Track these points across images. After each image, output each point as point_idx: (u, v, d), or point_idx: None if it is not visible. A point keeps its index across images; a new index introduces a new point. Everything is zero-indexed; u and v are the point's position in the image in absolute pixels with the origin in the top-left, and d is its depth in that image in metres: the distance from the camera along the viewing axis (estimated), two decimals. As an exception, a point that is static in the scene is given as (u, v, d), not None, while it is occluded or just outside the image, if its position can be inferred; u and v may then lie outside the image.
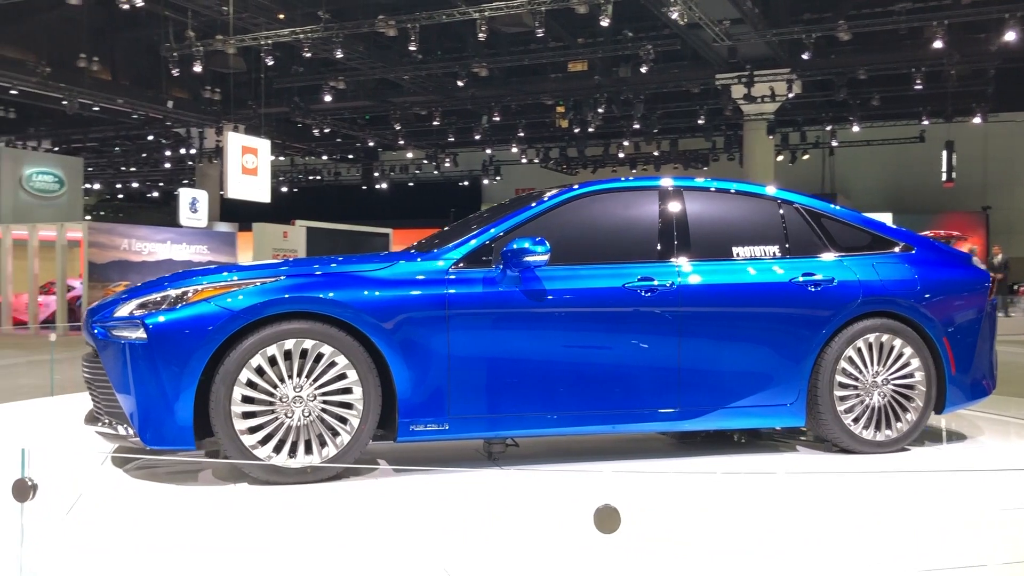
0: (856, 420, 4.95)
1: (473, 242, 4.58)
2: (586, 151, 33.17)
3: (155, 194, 42.70)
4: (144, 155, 33.97)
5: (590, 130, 28.37)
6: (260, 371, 4.08)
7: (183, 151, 31.28)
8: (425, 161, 35.45)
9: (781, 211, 5.12)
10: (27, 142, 30.20)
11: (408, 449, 5.13)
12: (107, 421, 4.27)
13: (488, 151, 34.30)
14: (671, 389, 4.67)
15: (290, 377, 4.11)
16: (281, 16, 21.00)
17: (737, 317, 4.79)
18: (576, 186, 4.98)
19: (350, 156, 36.98)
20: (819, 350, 4.87)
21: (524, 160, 34.50)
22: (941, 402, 5.13)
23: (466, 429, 4.43)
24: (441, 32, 22.87)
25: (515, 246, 4.39)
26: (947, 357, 5.07)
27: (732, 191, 5.19)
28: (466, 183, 38.31)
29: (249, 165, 20.90)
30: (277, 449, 4.10)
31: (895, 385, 5.00)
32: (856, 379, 4.93)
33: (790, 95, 23.76)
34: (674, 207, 4.92)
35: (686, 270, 4.75)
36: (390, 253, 4.84)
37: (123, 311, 4.20)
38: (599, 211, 4.94)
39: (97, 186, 41.61)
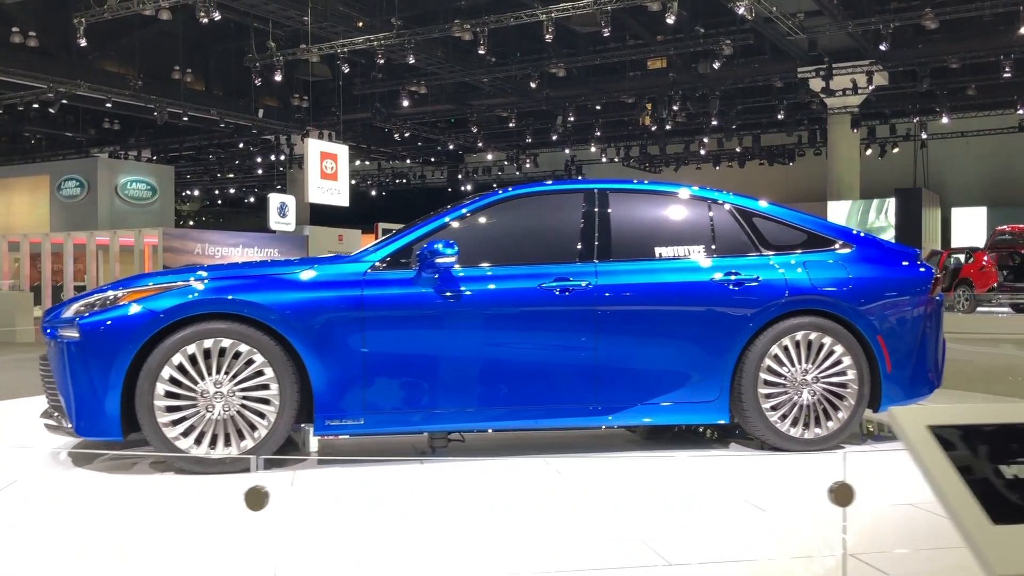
0: (784, 418, 4.92)
1: (392, 245, 4.78)
2: (667, 148, 32.95)
3: (251, 199, 44.25)
4: (237, 162, 35.27)
5: (668, 128, 28.17)
6: (182, 368, 4.36)
7: (273, 157, 32.38)
8: (506, 163, 35.78)
9: (711, 212, 5.14)
10: (128, 152, 31.76)
11: (375, 442, 5.33)
12: (53, 414, 4.61)
13: (567, 151, 34.40)
14: (589, 386, 4.75)
15: (210, 374, 4.39)
16: (360, 24, 21.59)
17: (654, 316, 4.83)
18: (500, 190, 5.12)
19: (432, 160, 37.60)
20: (742, 348, 4.88)
21: (604, 159, 34.47)
22: (877, 401, 5.06)
23: (381, 424, 4.61)
24: (520, 34, 23.12)
25: (428, 249, 4.57)
26: (882, 355, 4.99)
27: (660, 193, 5.24)
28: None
29: (328, 170, 21.55)
30: (198, 441, 4.39)
31: (826, 383, 4.95)
32: (783, 377, 4.90)
33: (870, 87, 23.14)
34: (597, 210, 5.01)
35: (604, 271, 4.83)
36: (321, 256, 5.14)
37: (68, 312, 4.55)
38: (523, 214, 5.07)
39: (196, 192, 43.37)
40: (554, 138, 30.40)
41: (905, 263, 5.24)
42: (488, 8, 19.67)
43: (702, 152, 32.70)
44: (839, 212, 27.39)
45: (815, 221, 5.31)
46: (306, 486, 4.28)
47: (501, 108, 27.99)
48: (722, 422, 4.93)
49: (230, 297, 4.45)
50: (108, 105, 24.81)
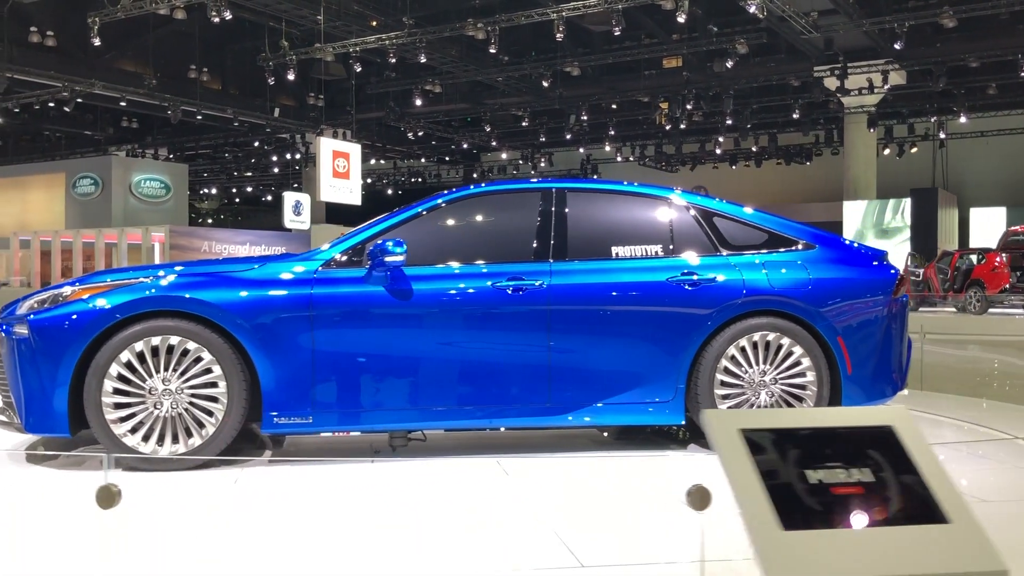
0: None
1: (344, 244, 4.77)
2: (683, 148, 32.80)
3: (268, 197, 44.44)
4: (252, 161, 35.44)
5: (683, 127, 28.04)
6: (130, 366, 4.36)
7: (288, 156, 32.49)
8: (520, 161, 35.75)
9: (670, 211, 5.09)
10: (145, 150, 31.99)
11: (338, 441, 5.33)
12: (6, 411, 4.59)
13: (581, 150, 34.32)
14: (541, 386, 4.71)
15: (158, 371, 4.38)
16: (374, 23, 21.62)
17: (608, 315, 4.78)
18: (455, 189, 5.11)
19: (447, 159, 37.62)
20: (697, 348, 4.82)
21: (619, 158, 34.36)
22: (837, 402, 4.96)
23: (330, 422, 4.59)
24: (535, 32, 23.09)
25: (377, 247, 4.54)
26: (842, 357, 4.90)
27: (618, 192, 5.19)
28: (564, 182, 38.47)
29: (340, 169, 21.61)
30: (146, 438, 4.38)
31: (785, 384, 4.87)
32: (741, 378, 4.84)
33: (886, 86, 22.93)
34: (553, 209, 4.97)
35: (558, 270, 4.79)
36: (273, 255, 5.11)
37: (21, 309, 4.57)
38: (481, 213, 5.06)
39: (214, 190, 43.61)
40: (568, 137, 30.32)
41: (869, 264, 5.16)
42: (502, 7, 19.65)
43: (718, 151, 32.52)
44: (855, 212, 27.20)
45: (777, 221, 5.25)
46: (248, 485, 4.28)
47: (516, 107, 27.95)
48: (678, 423, 4.86)
49: (177, 294, 4.44)
50: (123, 104, 24.98)
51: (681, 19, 16.40)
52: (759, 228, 5.14)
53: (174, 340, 4.39)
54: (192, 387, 4.41)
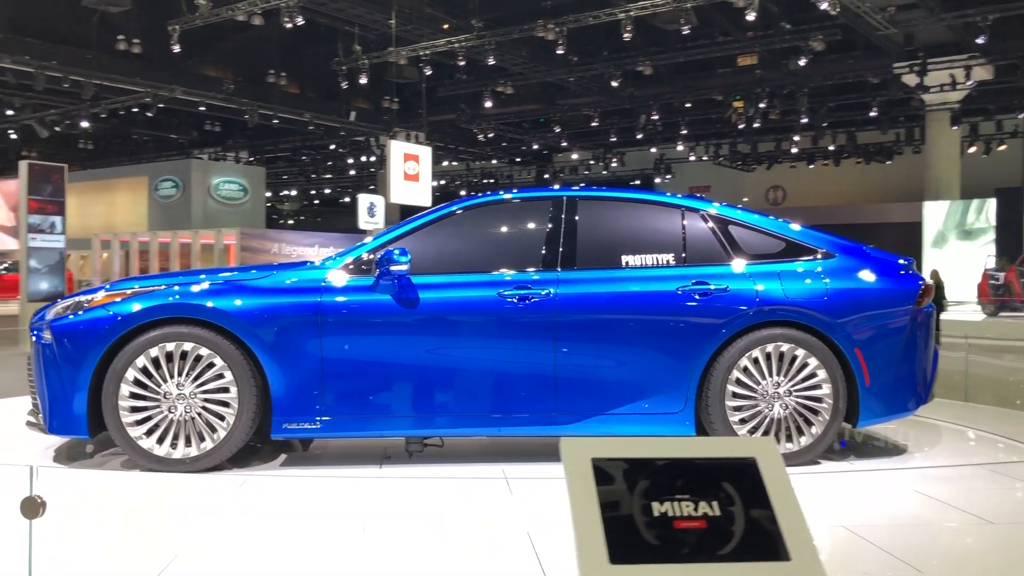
0: (754, 431, 4.75)
1: (353, 252, 4.83)
2: (758, 147, 32.24)
3: (346, 199, 45.22)
4: (329, 163, 36.10)
5: (756, 125, 27.55)
6: (146, 371, 4.51)
7: (363, 159, 32.99)
8: (592, 161, 35.61)
9: (683, 220, 5.00)
10: (226, 153, 32.90)
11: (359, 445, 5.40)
12: (37, 413, 4.78)
13: (653, 149, 33.99)
14: (547, 395, 4.68)
15: (173, 376, 4.52)
16: (446, 26, 21.82)
17: (615, 325, 4.73)
18: (468, 198, 5.11)
19: (517, 160, 37.69)
20: (708, 359, 4.73)
21: (692, 157, 33.92)
22: (856, 415, 4.85)
23: (337, 428, 4.65)
24: (607, 32, 22.99)
25: (384, 256, 4.58)
26: (860, 369, 4.77)
27: (631, 201, 5.14)
28: (637, 182, 38.13)
29: (411, 171, 21.85)
30: (160, 441, 4.53)
31: (800, 397, 4.77)
32: (753, 389, 4.75)
33: (970, 82, 22.15)
34: (563, 218, 4.94)
35: (565, 279, 4.76)
36: (285, 263, 5.24)
37: (49, 315, 4.74)
38: (491, 221, 5.07)
39: (294, 192, 44.55)
40: (639, 137, 30.09)
41: (891, 274, 5.02)
42: (572, 8, 19.61)
43: (794, 150, 31.87)
44: (936, 212, 26.34)
45: (796, 230, 5.13)
46: (252, 487, 4.39)
47: (587, 107, 27.86)
48: (688, 435, 4.76)
49: (190, 302, 4.58)
50: (202, 108, 25.70)
51: (751, 17, 16.15)
52: (777, 236, 5.05)
53: (188, 346, 4.53)
54: (205, 392, 4.55)
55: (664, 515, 1.49)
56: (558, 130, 28.89)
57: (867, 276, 4.96)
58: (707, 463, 1.53)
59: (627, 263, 4.89)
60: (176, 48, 18.96)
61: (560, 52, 19.01)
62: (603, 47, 24.33)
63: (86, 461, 4.98)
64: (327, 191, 44.74)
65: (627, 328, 4.75)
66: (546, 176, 38.09)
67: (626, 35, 17.58)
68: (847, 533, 3.67)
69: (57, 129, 25.96)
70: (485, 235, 5.06)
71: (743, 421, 4.76)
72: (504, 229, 5.11)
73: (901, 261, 5.17)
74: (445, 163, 37.12)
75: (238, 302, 4.59)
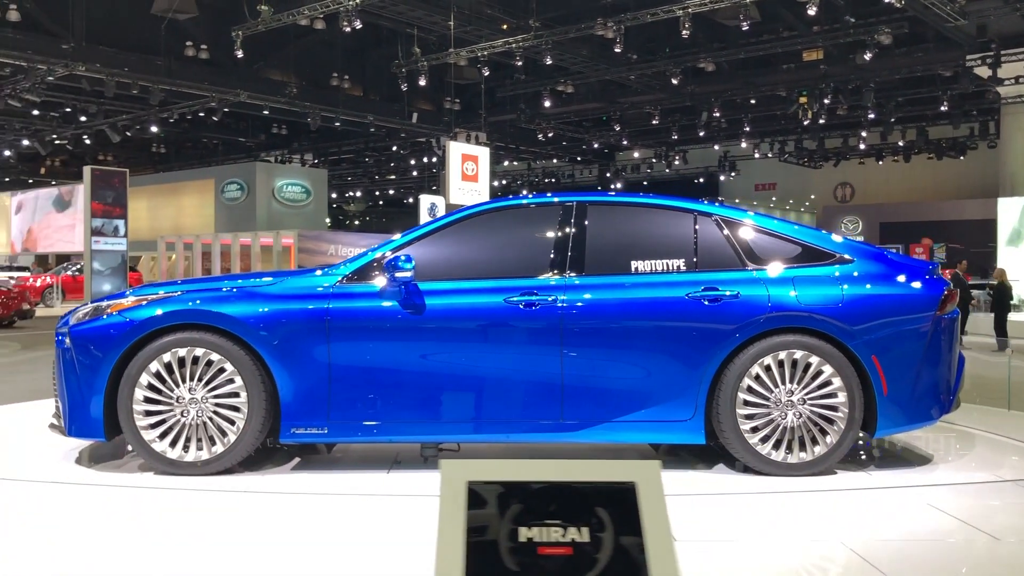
0: (766, 440, 4.62)
1: (362, 259, 4.83)
2: (826, 143, 31.59)
3: (409, 200, 45.64)
4: (392, 164, 36.49)
5: (821, 121, 26.97)
6: (159, 375, 4.58)
7: (425, 160, 33.25)
8: (654, 160, 35.30)
9: (696, 225, 4.89)
10: (291, 156, 33.50)
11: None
12: (58, 414, 4.88)
13: (716, 147, 33.53)
14: (554, 402, 4.62)
15: (185, 381, 4.58)
16: (505, 27, 21.86)
17: (622, 332, 4.65)
18: (479, 204, 5.08)
19: (578, 159, 37.55)
20: (719, 366, 4.63)
21: (757, 155, 33.37)
22: (874, 424, 4.69)
23: (345, 433, 4.67)
24: (669, 29, 22.78)
25: (389, 263, 4.58)
26: (877, 377, 4.61)
27: (642, 206, 5.06)
28: (701, 180, 37.68)
29: (469, 172, 21.94)
30: (173, 444, 4.60)
31: (815, 405, 4.63)
32: (766, 397, 4.63)
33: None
34: (573, 223, 4.89)
35: (574, 285, 4.70)
36: (295, 269, 5.24)
37: (72, 320, 4.83)
38: (501, 227, 5.02)
39: (359, 193, 45.13)
40: (701, 134, 29.73)
41: (912, 279, 4.84)
42: (632, 5, 19.47)
43: (862, 147, 31.13)
44: (1012, 209, 25.41)
45: (813, 234, 4.98)
46: (258, 490, 4.48)
47: (649, 105, 27.62)
48: (698, 443, 4.69)
49: (201, 308, 4.65)
50: (265, 112, 26.19)
51: (812, 11, 15.81)
52: (793, 241, 4.92)
53: (199, 351, 4.61)
54: (216, 397, 4.61)
55: (530, 541, 1.46)
56: (618, 128, 28.68)
57: (886, 281, 4.81)
58: (585, 487, 1.50)
59: (637, 268, 4.82)
60: (239, 54, 19.35)
61: (620, 50, 18.85)
62: (665, 44, 24.09)
63: (104, 464, 5.09)
64: (391, 192, 45.22)
65: (635, 334, 4.68)
66: (608, 175, 37.86)
67: (684, 32, 17.37)
68: (844, 549, 3.58)
69: (128, 134, 26.72)
70: (495, 241, 5.03)
71: (755, 429, 4.66)
72: (514, 235, 5.08)
73: (925, 266, 5.00)
74: (506, 163, 37.18)
75: (247, 308, 4.65)
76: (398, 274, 4.59)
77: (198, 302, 4.69)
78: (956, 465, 5.16)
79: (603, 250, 4.88)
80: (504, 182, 38.97)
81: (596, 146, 33.57)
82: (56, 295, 24.38)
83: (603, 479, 1.52)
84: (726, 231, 4.91)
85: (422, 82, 21.61)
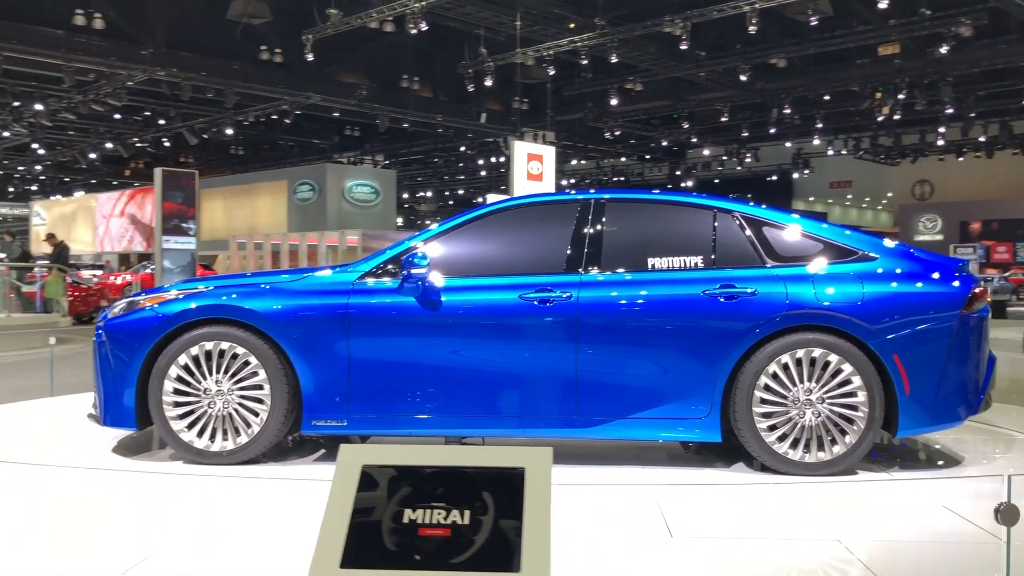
0: (783, 439, 4.55)
1: (382, 256, 4.92)
2: (903, 139, 30.76)
3: (479, 200, 45.94)
4: (460, 165, 36.78)
5: (897, 116, 26.27)
6: (187, 368, 4.76)
7: (493, 159, 33.43)
8: (725, 157, 34.83)
9: (715, 222, 4.85)
10: (363, 157, 34.03)
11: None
12: (95, 404, 5.08)
13: (788, 144, 32.91)
14: (568, 398, 4.64)
15: (212, 374, 4.75)
16: (572, 25, 21.86)
17: (637, 329, 4.64)
18: (497, 201, 5.11)
19: (647, 157, 37.26)
20: (735, 363, 4.59)
21: (831, 152, 32.66)
22: (895, 425, 4.58)
23: (364, 426, 4.77)
24: (739, 25, 22.49)
25: (406, 260, 4.67)
26: (899, 376, 4.50)
27: (660, 203, 5.06)
28: (774, 178, 37.03)
29: (534, 171, 21.93)
30: (201, 434, 4.77)
31: (834, 404, 4.56)
32: (783, 396, 4.57)
33: None
34: (589, 220, 4.90)
35: (588, 282, 4.72)
36: (318, 266, 5.38)
37: (110, 314, 5.02)
38: (519, 225, 5.05)
39: (430, 194, 45.61)
40: (772, 131, 29.23)
41: (937, 277, 4.74)
42: (699, 2, 19.28)
43: (940, 143, 30.22)
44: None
45: (835, 231, 4.89)
46: (269, 478, 4.62)
47: (719, 102, 27.29)
48: (713, 441, 4.68)
49: (227, 304, 4.81)
50: (336, 114, 26.66)
51: (883, 4, 15.44)
52: (814, 238, 4.86)
53: (225, 345, 4.77)
54: (241, 389, 4.78)
55: (412, 522, 1.51)
56: (686, 126, 28.40)
57: (910, 279, 4.73)
58: (474, 472, 1.55)
59: (653, 265, 4.82)
60: (310, 57, 19.78)
61: (687, 47, 18.69)
62: (736, 40, 23.78)
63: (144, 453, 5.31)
64: (460, 192, 45.58)
65: (649, 331, 4.68)
66: (678, 173, 37.50)
67: (752, 28, 17.13)
68: (839, 547, 3.55)
69: (205, 136, 27.50)
70: (512, 238, 5.08)
71: (772, 428, 4.63)
72: (531, 232, 5.12)
73: (953, 263, 4.89)
74: (574, 161, 37.13)
75: (271, 304, 4.79)
76: (414, 271, 4.69)
77: (227, 297, 4.86)
78: (986, 468, 5.04)
79: (620, 247, 4.90)
80: (572, 181, 38.91)
81: (664, 144, 33.28)
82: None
83: (494, 464, 1.56)
84: (746, 228, 4.89)
85: (488, 82, 21.75)
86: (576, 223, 4.96)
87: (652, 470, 4.91)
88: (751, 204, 5.06)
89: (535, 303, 4.71)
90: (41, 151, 32.22)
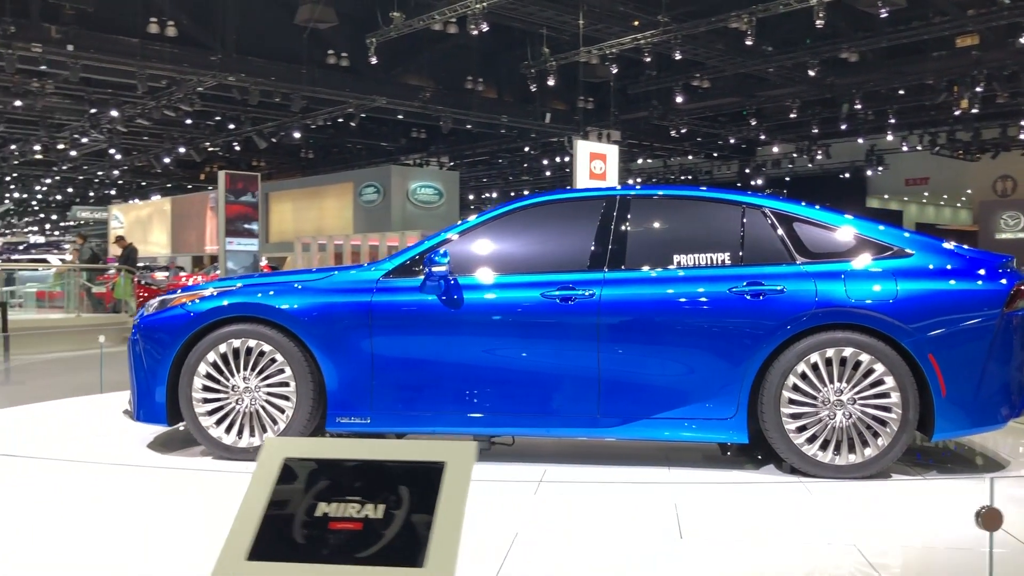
0: (812, 440, 4.39)
1: (406, 254, 4.91)
2: (983, 133, 29.72)
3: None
4: (525, 165, 36.81)
5: (975, 110, 25.39)
6: (216, 365, 4.82)
7: (558, 159, 33.37)
8: (795, 154, 34.10)
9: (744, 217, 4.70)
10: (429, 159, 34.30)
11: None
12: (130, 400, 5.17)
13: (860, 140, 32.03)
14: (590, 397, 4.57)
15: (239, 371, 4.80)
16: (636, 23, 21.68)
17: (662, 327, 4.53)
18: (521, 199, 5.08)
19: (715, 155, 36.71)
20: (762, 363, 4.45)
21: (905, 148, 31.70)
22: (931, 427, 4.40)
23: (387, 423, 4.77)
24: (808, 20, 22.03)
25: (428, 258, 4.65)
26: (935, 377, 4.31)
27: (688, 199, 4.96)
28: (847, 175, 36.10)
29: (597, 171, 21.81)
30: (229, 430, 4.83)
31: (866, 405, 4.40)
32: (813, 396, 4.42)
33: None
34: (614, 218, 4.81)
35: (612, 280, 4.63)
36: (343, 265, 5.43)
37: (145, 312, 5.12)
38: (541, 223, 4.98)
39: (495, 195, 45.74)
40: (843, 127, 28.53)
41: (976, 274, 4.52)
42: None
43: (1022, 136, 29.11)
44: None
45: (869, 226, 4.69)
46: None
47: (788, 98, 26.76)
48: (740, 442, 4.59)
49: (254, 302, 4.87)
50: (399, 117, 26.92)
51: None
52: (846, 234, 4.69)
53: (252, 343, 4.83)
54: (268, 386, 4.83)
55: (325, 515, 1.51)
56: (754, 123, 27.92)
57: (947, 276, 4.54)
58: (395, 466, 1.53)
59: (679, 263, 4.71)
60: (373, 60, 20.01)
61: (752, 43, 18.36)
62: (806, 35, 23.29)
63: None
64: (525, 192, 45.59)
65: (674, 330, 4.58)
66: (747, 171, 36.87)
67: (819, 22, 16.75)
68: (853, 552, 3.43)
69: (274, 140, 28.01)
70: (536, 236, 5.03)
71: (801, 429, 4.49)
72: (555, 229, 5.07)
73: (996, 260, 4.66)
74: (640, 160, 36.82)
75: (296, 302, 4.84)
76: (434, 268, 4.68)
77: (250, 296, 4.93)
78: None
79: (645, 244, 4.83)
80: (638, 180, 38.57)
81: (732, 141, 32.76)
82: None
83: (416, 459, 1.54)
84: (776, 224, 4.75)
85: (551, 82, 21.71)
86: (600, 220, 4.89)
87: (679, 471, 4.84)
88: (781, 200, 4.94)
89: (557, 301, 4.68)
90: (118, 156, 33.24)
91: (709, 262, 4.72)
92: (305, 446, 1.58)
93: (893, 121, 27.88)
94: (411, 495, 1.49)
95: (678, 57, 20.90)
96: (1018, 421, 4.81)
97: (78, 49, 19.22)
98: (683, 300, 4.61)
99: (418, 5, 19.83)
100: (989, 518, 2.57)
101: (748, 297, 4.56)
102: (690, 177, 38.59)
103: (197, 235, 36.15)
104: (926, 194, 39.05)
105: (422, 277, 4.83)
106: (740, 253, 4.71)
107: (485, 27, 17.75)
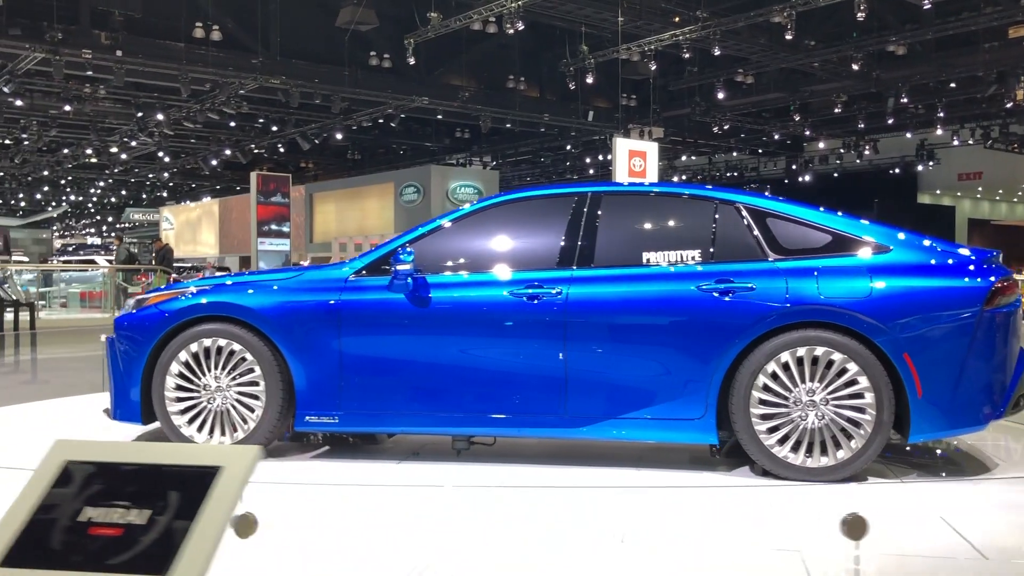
0: (783, 442, 4.24)
1: (376, 253, 4.86)
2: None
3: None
4: (567, 163, 36.69)
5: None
6: (188, 364, 4.83)
7: (600, 157, 33.21)
8: (843, 150, 33.48)
9: (716, 214, 4.57)
10: (473, 158, 34.37)
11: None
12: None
13: (909, 135, 31.31)
14: (557, 397, 4.49)
15: (210, 371, 4.80)
16: (676, 19, 21.47)
17: (628, 326, 4.44)
18: (491, 197, 5.05)
19: (760, 151, 36.19)
20: (731, 362, 4.32)
21: (956, 142, 30.94)
22: (908, 428, 4.25)
23: (355, 422, 4.75)
24: (853, 12, 21.62)
25: (395, 257, 4.61)
26: (910, 377, 4.15)
27: (658, 195, 4.86)
28: (896, 171, 35.33)
29: (636, 168, 21.64)
30: (200, 429, 4.83)
31: (839, 406, 4.25)
32: (784, 397, 4.29)
33: None
34: (584, 214, 4.73)
35: (579, 278, 4.55)
36: (313, 264, 5.40)
37: (122, 312, 5.15)
38: (512, 220, 4.92)
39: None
40: (890, 122, 27.93)
41: (956, 271, 4.35)
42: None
43: (1080, 129, 28.23)
44: None
45: (846, 221, 4.54)
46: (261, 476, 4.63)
47: (835, 93, 26.28)
48: (709, 443, 4.50)
49: (225, 301, 4.88)
50: (439, 116, 27.02)
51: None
52: (823, 229, 4.54)
53: (222, 342, 4.84)
54: (239, 385, 4.84)
55: (88, 520, 1.48)
56: (798, 118, 27.48)
57: (925, 273, 4.38)
58: (172, 471, 1.50)
59: (648, 260, 4.62)
60: (411, 60, 20.09)
61: (792, 37, 18.08)
62: (852, 28, 22.86)
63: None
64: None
65: (641, 329, 4.51)
66: (794, 167, 36.29)
67: (860, 14, 16.43)
68: (795, 558, 3.32)
69: (316, 141, 28.27)
70: (507, 233, 4.98)
71: (772, 430, 4.37)
72: (525, 227, 5.02)
73: (978, 255, 4.49)
74: (684, 157, 36.46)
75: (265, 301, 4.85)
76: (399, 267, 4.66)
77: (225, 295, 4.96)
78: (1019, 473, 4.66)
79: (614, 242, 4.75)
80: (683, 177, 38.20)
81: (777, 137, 32.29)
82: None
83: (193, 463, 1.50)
84: (749, 220, 4.64)
85: (589, 79, 21.62)
86: (571, 217, 4.83)
87: (648, 472, 4.72)
88: (757, 196, 4.83)
89: (524, 299, 4.63)
90: (167, 159, 33.84)
91: (680, 259, 4.63)
92: (90, 449, 1.56)
93: (943, 115, 27.22)
94: (180, 500, 1.48)
95: (717, 53, 20.62)
96: (1012, 420, 4.65)
97: (126, 54, 19.60)
98: (650, 298, 4.53)
99: (458, 5, 19.87)
100: (854, 526, 2.45)
101: (717, 295, 4.46)
102: (735, 174, 38.11)
103: (243, 236, 36.70)
104: (980, 189, 38.11)
105: (389, 276, 4.82)
106: (712, 250, 4.62)
107: (521, 26, 17.72)
